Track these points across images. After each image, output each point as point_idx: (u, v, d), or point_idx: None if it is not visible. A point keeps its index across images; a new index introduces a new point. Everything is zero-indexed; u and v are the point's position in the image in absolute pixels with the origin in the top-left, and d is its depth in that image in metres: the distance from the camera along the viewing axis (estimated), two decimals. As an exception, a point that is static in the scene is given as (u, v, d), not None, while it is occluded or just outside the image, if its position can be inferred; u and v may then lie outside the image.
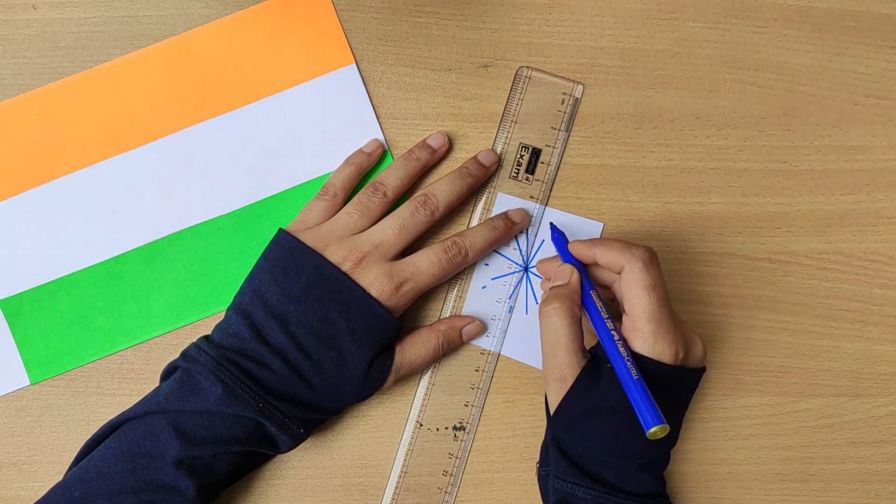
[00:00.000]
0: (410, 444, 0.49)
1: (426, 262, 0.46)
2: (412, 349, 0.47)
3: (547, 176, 0.50)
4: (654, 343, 0.42)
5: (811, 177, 0.51)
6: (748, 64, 0.51)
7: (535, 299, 0.50)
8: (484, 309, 0.50)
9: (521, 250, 0.50)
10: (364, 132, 0.50)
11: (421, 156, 0.49)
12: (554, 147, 0.50)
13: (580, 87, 0.50)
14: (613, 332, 0.42)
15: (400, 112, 0.51)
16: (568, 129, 0.50)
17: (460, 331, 0.49)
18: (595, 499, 0.42)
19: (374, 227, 0.47)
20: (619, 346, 0.42)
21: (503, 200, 0.50)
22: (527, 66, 0.50)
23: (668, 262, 0.50)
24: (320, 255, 0.45)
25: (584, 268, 0.46)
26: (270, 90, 0.50)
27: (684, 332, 0.43)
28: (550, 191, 0.50)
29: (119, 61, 0.50)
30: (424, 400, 0.49)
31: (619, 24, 0.51)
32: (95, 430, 0.44)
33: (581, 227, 0.50)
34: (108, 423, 0.44)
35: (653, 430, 0.39)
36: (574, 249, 0.46)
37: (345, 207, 0.47)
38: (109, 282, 0.49)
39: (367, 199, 0.47)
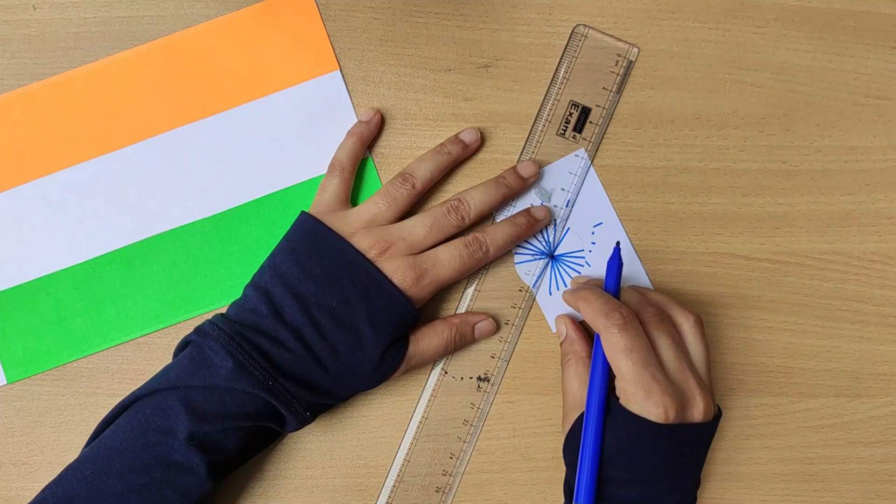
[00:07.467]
0: (434, 389, 0.50)
1: (447, 256, 0.46)
2: (425, 340, 0.47)
3: (594, 136, 0.50)
4: (637, 404, 0.41)
5: (811, 177, 0.51)
6: (748, 64, 0.51)
7: (557, 285, 0.50)
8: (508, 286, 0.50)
9: (546, 238, 0.50)
10: None
11: (452, 150, 0.49)
12: (603, 108, 0.50)
13: (635, 49, 0.49)
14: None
15: (400, 112, 0.51)
16: (619, 91, 0.49)
17: (473, 326, 0.49)
18: None
19: (405, 221, 0.47)
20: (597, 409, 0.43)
21: (549, 145, 0.50)
22: (583, 25, 0.49)
23: (668, 262, 0.50)
24: (346, 241, 0.45)
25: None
26: (254, 95, 0.50)
27: (680, 389, 0.42)
28: (596, 152, 0.50)
29: (103, 62, 0.50)
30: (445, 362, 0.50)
31: (619, 24, 0.51)
32: (109, 410, 0.44)
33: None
34: (120, 402, 0.44)
35: None
36: (563, 296, 0.48)
37: (372, 197, 0.47)
38: (88, 283, 0.49)
39: (395, 190, 0.47)
